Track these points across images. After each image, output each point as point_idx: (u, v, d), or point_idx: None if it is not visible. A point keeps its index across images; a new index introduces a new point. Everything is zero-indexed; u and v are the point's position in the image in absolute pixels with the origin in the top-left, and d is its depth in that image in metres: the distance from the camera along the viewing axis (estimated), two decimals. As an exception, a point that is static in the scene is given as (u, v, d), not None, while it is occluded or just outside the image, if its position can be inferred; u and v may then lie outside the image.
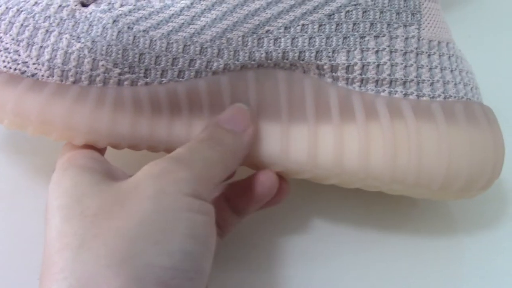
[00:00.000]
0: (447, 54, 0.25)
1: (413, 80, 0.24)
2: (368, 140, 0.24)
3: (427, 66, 0.25)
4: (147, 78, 0.24)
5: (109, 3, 0.25)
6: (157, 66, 0.24)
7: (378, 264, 0.27)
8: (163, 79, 0.24)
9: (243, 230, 0.27)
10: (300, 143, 0.25)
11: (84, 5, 0.25)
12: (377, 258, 0.27)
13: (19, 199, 0.28)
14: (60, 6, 0.24)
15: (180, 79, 0.24)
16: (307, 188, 0.28)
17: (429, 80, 0.25)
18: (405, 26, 0.25)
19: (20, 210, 0.28)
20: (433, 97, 0.25)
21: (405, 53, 0.24)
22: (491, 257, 0.27)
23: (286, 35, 0.24)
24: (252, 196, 0.25)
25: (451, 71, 0.25)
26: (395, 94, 0.24)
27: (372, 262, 0.27)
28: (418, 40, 0.25)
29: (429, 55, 0.25)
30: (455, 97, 0.25)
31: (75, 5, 0.25)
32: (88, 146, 0.24)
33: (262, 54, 0.24)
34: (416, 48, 0.25)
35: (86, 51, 0.24)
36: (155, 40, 0.24)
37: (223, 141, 0.23)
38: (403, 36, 0.24)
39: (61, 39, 0.24)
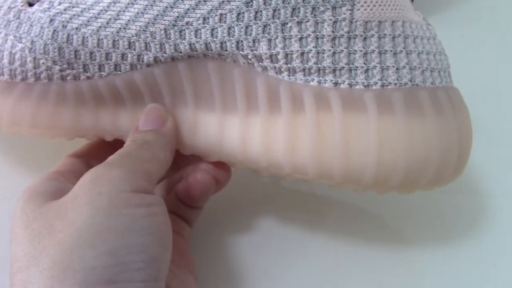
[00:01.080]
0: (391, 35, 0.23)
1: (343, 67, 0.22)
2: (293, 133, 0.23)
3: (361, 51, 0.22)
4: (87, 72, 0.25)
5: (49, 2, 0.26)
6: (93, 62, 0.25)
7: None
8: (102, 72, 0.25)
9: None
10: (232, 134, 0.24)
11: (31, 4, 0.26)
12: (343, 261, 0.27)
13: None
14: (9, 7, 0.26)
15: (118, 72, 0.25)
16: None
17: (363, 67, 0.22)
18: (334, 8, 0.22)
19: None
20: (367, 85, 0.22)
21: (333, 39, 0.22)
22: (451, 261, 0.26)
23: (206, 26, 0.23)
24: (194, 195, 0.26)
25: (394, 54, 0.23)
26: (325, 83, 0.23)
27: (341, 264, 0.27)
28: (350, 22, 0.22)
29: (364, 39, 0.22)
30: (395, 84, 0.22)
31: (22, 5, 0.26)
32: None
33: (186, 46, 0.24)
34: (348, 32, 0.22)
35: (27, 51, 0.25)
36: (87, 37, 0.25)
37: (147, 140, 0.24)
38: (331, 20, 0.22)
39: (6, 40, 0.26)
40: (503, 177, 0.30)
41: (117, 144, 0.26)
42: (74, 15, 0.25)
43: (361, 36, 0.22)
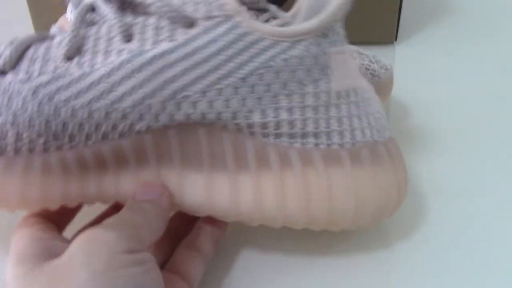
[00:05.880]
0: (355, 101, 0.27)
1: (323, 131, 0.27)
2: (283, 187, 0.27)
3: (335, 116, 0.27)
4: (72, 142, 0.25)
5: (27, 72, 0.25)
6: (81, 132, 0.25)
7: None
8: (88, 141, 0.25)
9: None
10: (222, 191, 0.27)
11: (2, 72, 0.25)
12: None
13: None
14: None
15: (105, 140, 0.26)
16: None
17: (337, 129, 0.27)
18: (315, 81, 0.26)
19: None
20: (341, 144, 0.27)
21: (315, 108, 0.26)
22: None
23: (203, 99, 0.25)
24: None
25: (358, 117, 0.27)
26: (307, 144, 0.27)
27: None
28: (328, 93, 0.26)
29: (337, 106, 0.27)
30: (361, 142, 0.27)
31: (-7, 75, 0.25)
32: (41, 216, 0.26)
33: (181, 116, 0.26)
34: (326, 101, 0.26)
35: (8, 125, 0.24)
36: (77, 109, 0.25)
37: (143, 208, 0.25)
38: (313, 91, 0.26)
39: None
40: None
41: None
42: (60, 86, 0.25)
43: (335, 104, 0.27)
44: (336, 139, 0.27)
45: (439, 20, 0.49)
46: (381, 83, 0.38)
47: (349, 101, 0.27)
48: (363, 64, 0.38)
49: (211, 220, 0.28)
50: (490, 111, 0.41)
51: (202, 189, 0.27)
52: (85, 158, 0.26)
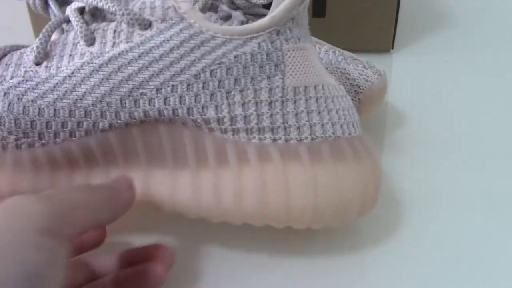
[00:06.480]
0: (315, 97, 0.27)
1: (280, 126, 0.27)
2: (241, 183, 0.27)
3: (293, 112, 0.27)
4: (42, 140, 0.27)
5: (1, 76, 0.27)
6: (49, 130, 0.27)
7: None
8: (57, 139, 0.27)
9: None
10: (184, 188, 0.28)
11: (-20, 77, 0.28)
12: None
13: None
14: None
15: (73, 138, 0.27)
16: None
17: (295, 125, 0.27)
18: (268, 77, 0.27)
19: None
20: (300, 140, 0.27)
21: (270, 103, 0.27)
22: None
23: (159, 96, 0.26)
24: None
25: (319, 112, 0.27)
26: (265, 140, 0.27)
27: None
28: (283, 89, 0.27)
29: (294, 101, 0.27)
30: (322, 137, 0.27)
31: (-28, 80, 0.27)
32: None
33: (140, 113, 0.27)
34: (281, 97, 0.27)
35: None
36: (43, 108, 0.27)
37: (97, 190, 0.25)
38: (267, 87, 0.27)
39: None
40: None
41: None
42: (28, 88, 0.27)
43: (292, 99, 0.27)
44: (294, 134, 0.27)
45: (435, 29, 0.49)
46: (375, 89, 0.38)
47: (308, 97, 0.27)
48: (340, 66, 0.38)
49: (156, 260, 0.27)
50: (485, 120, 0.40)
51: (166, 186, 0.28)
52: (55, 156, 0.27)
